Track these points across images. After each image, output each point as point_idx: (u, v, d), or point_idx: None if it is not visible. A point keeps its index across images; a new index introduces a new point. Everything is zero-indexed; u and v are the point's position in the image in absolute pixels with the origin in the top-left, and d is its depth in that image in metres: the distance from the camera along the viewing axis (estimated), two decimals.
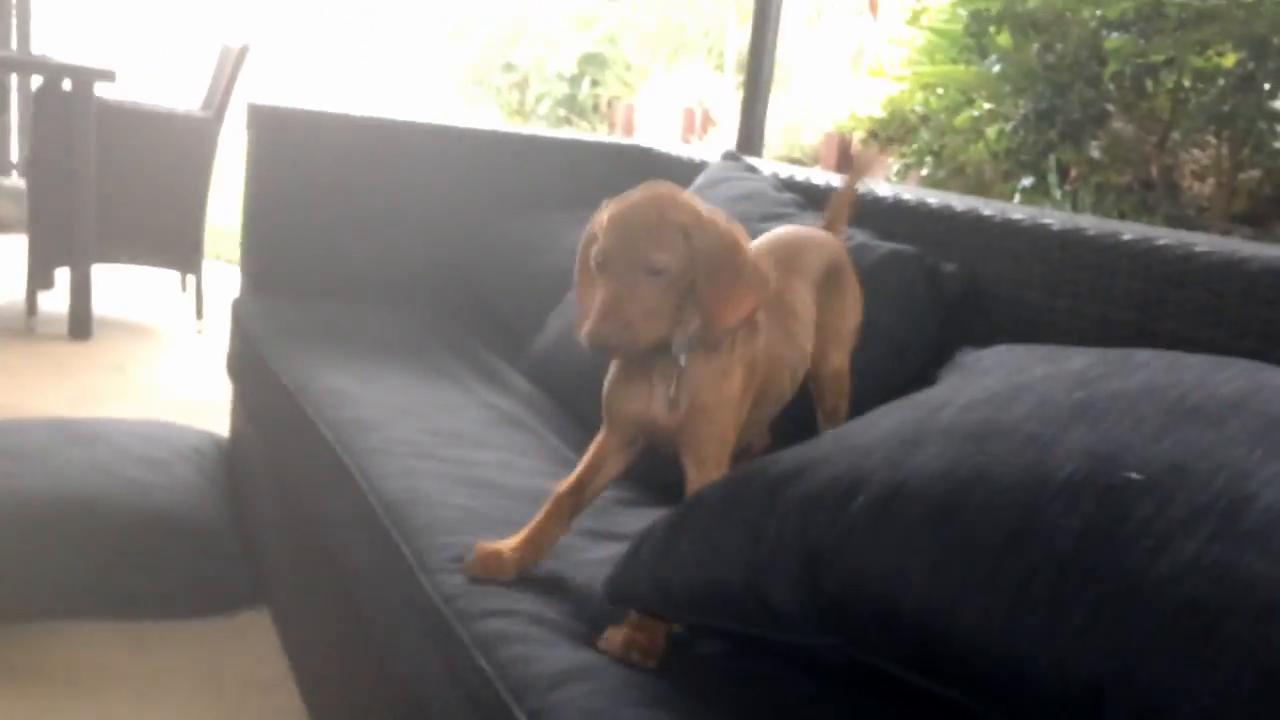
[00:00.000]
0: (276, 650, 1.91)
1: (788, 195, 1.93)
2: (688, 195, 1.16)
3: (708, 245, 1.10)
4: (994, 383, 1.05)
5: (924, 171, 4.44)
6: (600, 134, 7.61)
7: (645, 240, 1.09)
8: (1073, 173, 4.05)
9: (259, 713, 1.74)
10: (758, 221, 1.81)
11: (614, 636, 1.02)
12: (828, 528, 0.90)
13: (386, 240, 2.47)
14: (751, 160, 2.21)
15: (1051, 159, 3.95)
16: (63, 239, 3.66)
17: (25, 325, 3.73)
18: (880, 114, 4.82)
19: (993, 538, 0.82)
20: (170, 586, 1.97)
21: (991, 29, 4.03)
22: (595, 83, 8.93)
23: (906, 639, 0.84)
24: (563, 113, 8.86)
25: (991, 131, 4.19)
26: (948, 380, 1.25)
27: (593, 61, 8.89)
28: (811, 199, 1.91)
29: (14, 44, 5.57)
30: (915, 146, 4.41)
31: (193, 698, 1.75)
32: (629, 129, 7.67)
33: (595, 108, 8.98)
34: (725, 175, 2.08)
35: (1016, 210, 1.64)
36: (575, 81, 8.97)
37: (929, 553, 0.84)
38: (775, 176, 2.06)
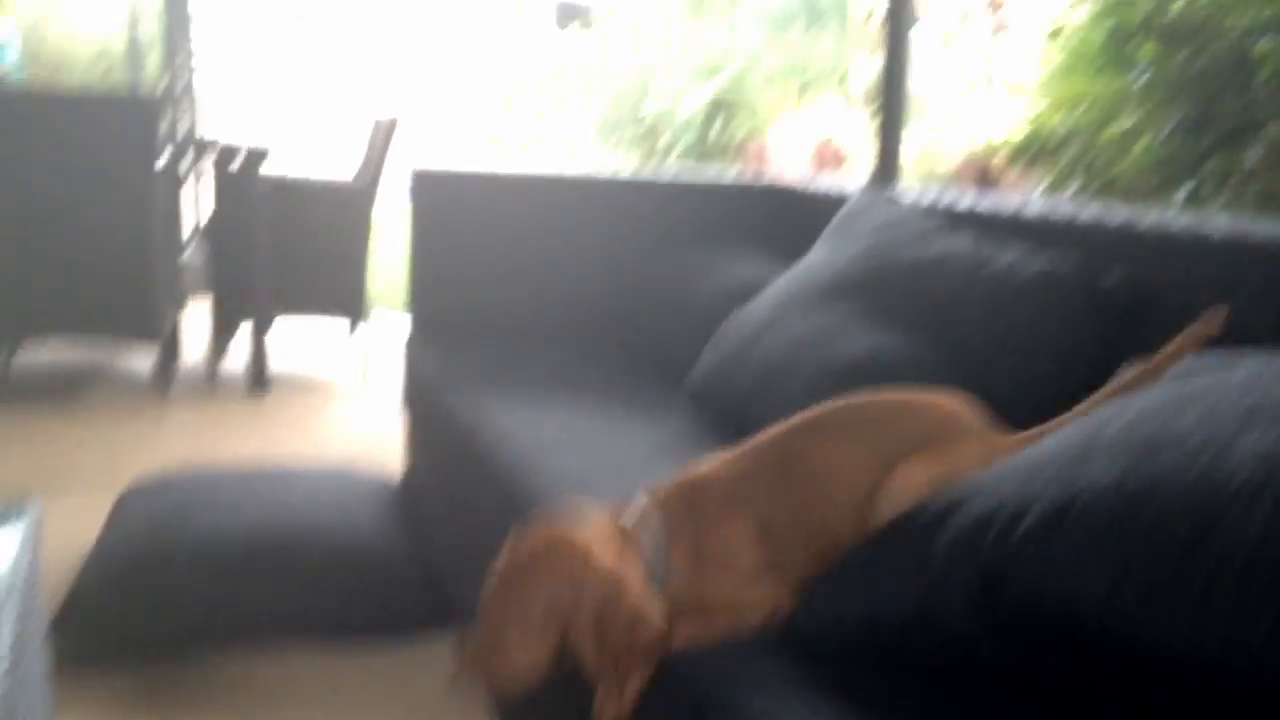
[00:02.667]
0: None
1: (931, 221, 1.95)
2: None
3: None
4: (1160, 394, 1.05)
5: (1071, 189, 4.36)
6: (735, 173, 7.68)
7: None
8: (1231, 180, 3.92)
9: None
10: (904, 248, 1.85)
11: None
12: (998, 548, 0.93)
13: (541, 285, 2.60)
14: (893, 190, 2.24)
15: (1207, 168, 3.83)
16: (241, 303, 3.93)
17: (209, 383, 4.00)
18: (1019, 135, 4.76)
19: (1173, 544, 0.83)
20: (361, 614, 2.10)
21: (1135, 41, 3.96)
22: (726, 124, 9.04)
23: (1089, 648, 0.86)
24: (695, 157, 8.99)
25: (1141, 144, 4.10)
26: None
27: (721, 105, 9.00)
28: (954, 222, 1.93)
29: (184, 128, 6.01)
30: (1062, 165, 4.34)
31: (390, 714, 1.86)
32: (761, 166, 7.74)
33: (726, 149, 9.08)
34: (866, 206, 2.11)
35: (1177, 218, 1.62)
36: (705, 125, 9.09)
37: (1108, 563, 0.85)
38: (918, 204, 2.09)
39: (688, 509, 1.19)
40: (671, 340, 2.35)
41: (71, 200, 3.43)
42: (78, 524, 2.43)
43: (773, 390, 1.73)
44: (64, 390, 3.83)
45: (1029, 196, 2.29)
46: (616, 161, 9.26)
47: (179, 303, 4.14)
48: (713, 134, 9.02)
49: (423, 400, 2.30)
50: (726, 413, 1.88)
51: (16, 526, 1.48)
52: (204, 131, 6.05)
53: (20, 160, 3.37)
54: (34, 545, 1.48)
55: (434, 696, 1.95)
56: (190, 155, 4.49)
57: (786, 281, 2.04)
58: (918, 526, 1.02)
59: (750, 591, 1.15)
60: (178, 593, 2.01)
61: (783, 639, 1.11)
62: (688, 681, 1.05)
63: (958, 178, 5.90)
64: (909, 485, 1.11)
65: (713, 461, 1.25)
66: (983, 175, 4.96)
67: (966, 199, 2.08)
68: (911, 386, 1.58)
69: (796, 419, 1.25)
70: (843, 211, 2.15)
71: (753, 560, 1.16)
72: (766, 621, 1.13)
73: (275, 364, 4.05)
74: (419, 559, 2.23)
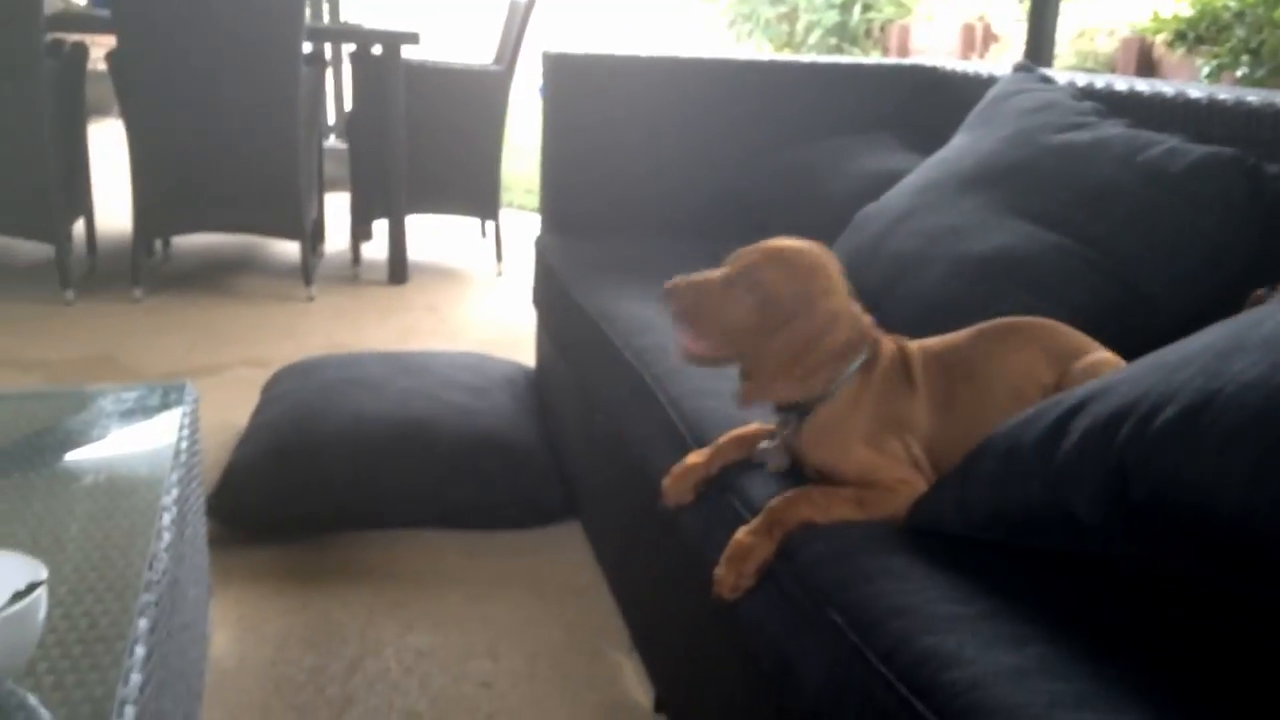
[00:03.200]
0: (590, 558, 2.07)
1: (1087, 104, 1.84)
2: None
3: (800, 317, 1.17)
4: None
5: (1240, 72, 4.06)
6: (881, 59, 7.41)
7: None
8: None
9: (579, 612, 1.90)
10: (1054, 133, 1.76)
11: (721, 567, 1.14)
12: (1135, 439, 0.90)
13: (675, 175, 2.56)
14: (1045, 71, 2.12)
15: None
16: (380, 194, 4.01)
17: (351, 272, 4.13)
18: (1187, 12, 4.43)
19: None
20: (495, 501, 2.17)
21: None
22: (867, 6, 8.68)
23: (1220, 543, 0.83)
24: (833, 41, 8.68)
25: None
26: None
27: None
28: (1113, 107, 1.81)
29: (325, 16, 6.08)
30: (1229, 45, 4.03)
31: (520, 599, 1.93)
32: (904, 53, 7.43)
33: (868, 33, 8.74)
34: (1017, 88, 2.01)
35: None
36: (846, 8, 8.75)
37: (1247, 457, 0.82)
38: (1072, 85, 1.97)
39: (882, 369, 1.19)
40: (803, 232, 2.29)
41: (217, 92, 3.53)
42: (230, 406, 2.56)
43: (903, 285, 1.68)
44: (215, 279, 4.00)
45: (1192, 81, 2.13)
46: (751, 49, 9.01)
47: (321, 196, 4.25)
48: (854, 18, 8.68)
49: (552, 293, 2.32)
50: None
51: (177, 408, 1.57)
52: (347, 16, 6.13)
53: (164, 54, 3.47)
54: (193, 426, 1.57)
55: (562, 583, 2.01)
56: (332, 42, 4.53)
57: (924, 171, 1.97)
58: (1053, 417, 0.99)
59: (895, 472, 1.14)
60: (323, 473, 2.11)
61: (905, 526, 1.10)
62: (808, 566, 1.05)
63: (1116, 60, 5.55)
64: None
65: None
66: (1144, 57, 4.65)
67: (1124, 82, 1.95)
68: (1050, 283, 1.52)
69: (985, 326, 1.24)
70: (989, 95, 2.05)
71: (918, 448, 1.16)
72: (895, 512, 1.12)
73: (413, 254, 4.14)
74: (549, 448, 2.29)
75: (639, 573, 1.78)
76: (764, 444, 1.28)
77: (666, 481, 1.34)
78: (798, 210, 2.36)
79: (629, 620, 1.83)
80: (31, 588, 0.90)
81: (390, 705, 1.61)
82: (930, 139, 2.17)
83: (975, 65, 2.57)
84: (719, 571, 1.15)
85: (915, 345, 1.24)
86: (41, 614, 0.91)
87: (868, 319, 1.23)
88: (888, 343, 1.22)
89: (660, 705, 1.63)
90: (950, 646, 0.86)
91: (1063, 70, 2.32)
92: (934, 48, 7.36)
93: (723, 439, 1.32)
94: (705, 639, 1.41)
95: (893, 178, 2.06)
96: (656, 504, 1.54)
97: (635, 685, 1.70)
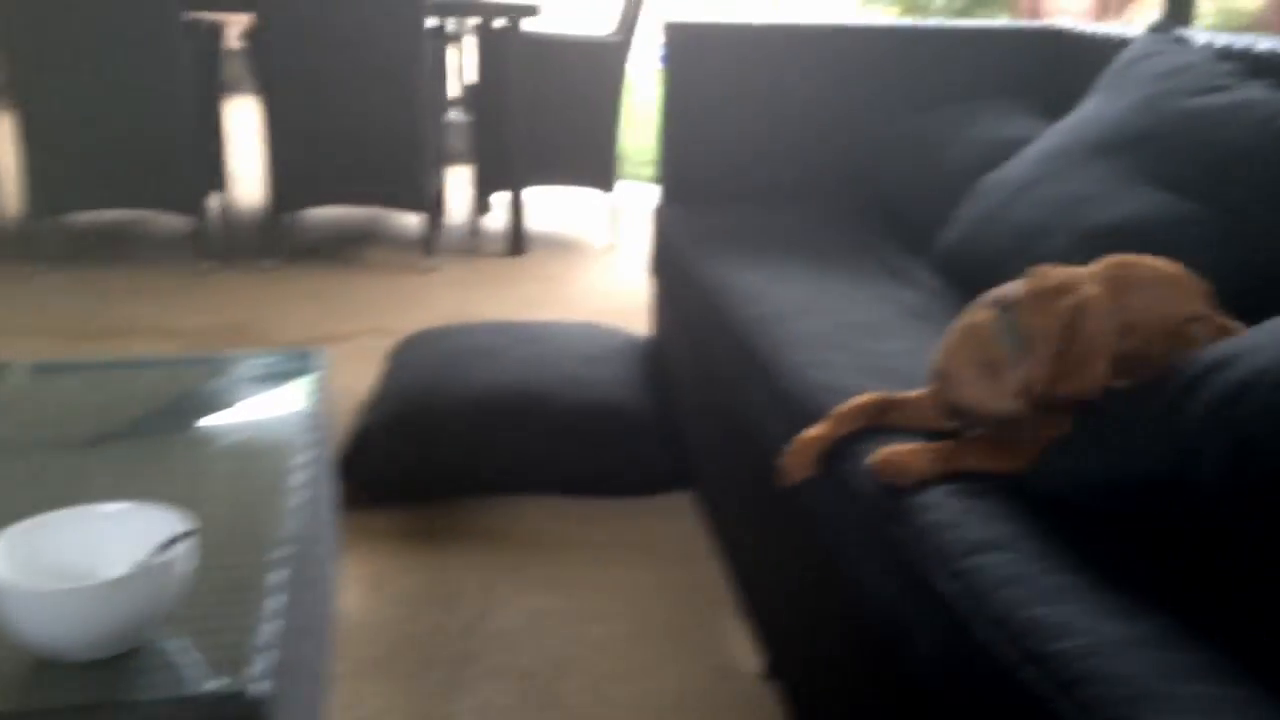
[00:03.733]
0: (702, 526, 2.10)
1: (1227, 66, 1.76)
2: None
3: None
4: None
5: None
6: (1007, 21, 7.19)
7: None
8: None
9: (691, 578, 1.93)
10: (1190, 96, 1.69)
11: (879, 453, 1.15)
12: (1259, 411, 0.87)
13: (794, 143, 2.55)
14: (1182, 31, 2.04)
15: None
16: (499, 166, 4.08)
17: (471, 244, 4.22)
18: None
19: None
20: (609, 468, 2.21)
21: None
22: None
23: None
24: (962, 4, 8.45)
25: None
26: None
27: None
28: (1255, 69, 1.73)
29: None
30: None
31: (635, 565, 1.97)
32: (1036, 15, 7.19)
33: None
34: (1151, 50, 1.93)
35: None
36: None
37: None
38: (1211, 46, 1.89)
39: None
40: (923, 202, 2.26)
41: (345, 69, 3.64)
42: (356, 373, 2.65)
43: (1025, 256, 1.63)
44: (342, 250, 4.13)
45: None
46: (876, 15, 8.83)
47: (443, 169, 4.34)
48: None
49: (669, 263, 2.34)
50: (975, 278, 1.80)
51: (308, 374, 1.64)
52: None
53: (297, 31, 3.59)
54: (323, 390, 1.64)
55: (675, 550, 2.03)
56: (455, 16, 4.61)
57: (1050, 137, 1.91)
58: (1175, 386, 0.96)
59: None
60: (444, 439, 2.18)
61: (1014, 493, 1.09)
62: (921, 533, 1.04)
63: (1264, 18, 5.28)
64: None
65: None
66: None
67: (1267, 42, 1.86)
68: (1182, 254, 1.47)
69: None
70: (1121, 57, 1.98)
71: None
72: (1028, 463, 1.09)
73: (531, 226, 4.21)
74: (664, 418, 2.31)
75: (751, 540, 1.80)
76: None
77: (786, 456, 1.34)
78: (919, 179, 2.32)
79: (741, 587, 1.85)
80: (180, 538, 0.96)
81: (508, 663, 1.67)
82: (1058, 105, 2.11)
83: (1107, 27, 2.48)
84: (875, 459, 1.16)
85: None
86: (187, 563, 0.97)
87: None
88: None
89: (771, 672, 1.64)
90: (1062, 616, 0.85)
91: (1203, 30, 2.22)
92: (1068, 9, 7.10)
93: (842, 408, 1.32)
94: (817, 606, 1.42)
95: (1016, 145, 2.01)
96: (770, 474, 1.55)
97: (746, 651, 1.72)
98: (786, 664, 1.58)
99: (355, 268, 3.90)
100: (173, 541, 0.95)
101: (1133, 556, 0.96)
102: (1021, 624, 0.87)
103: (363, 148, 3.73)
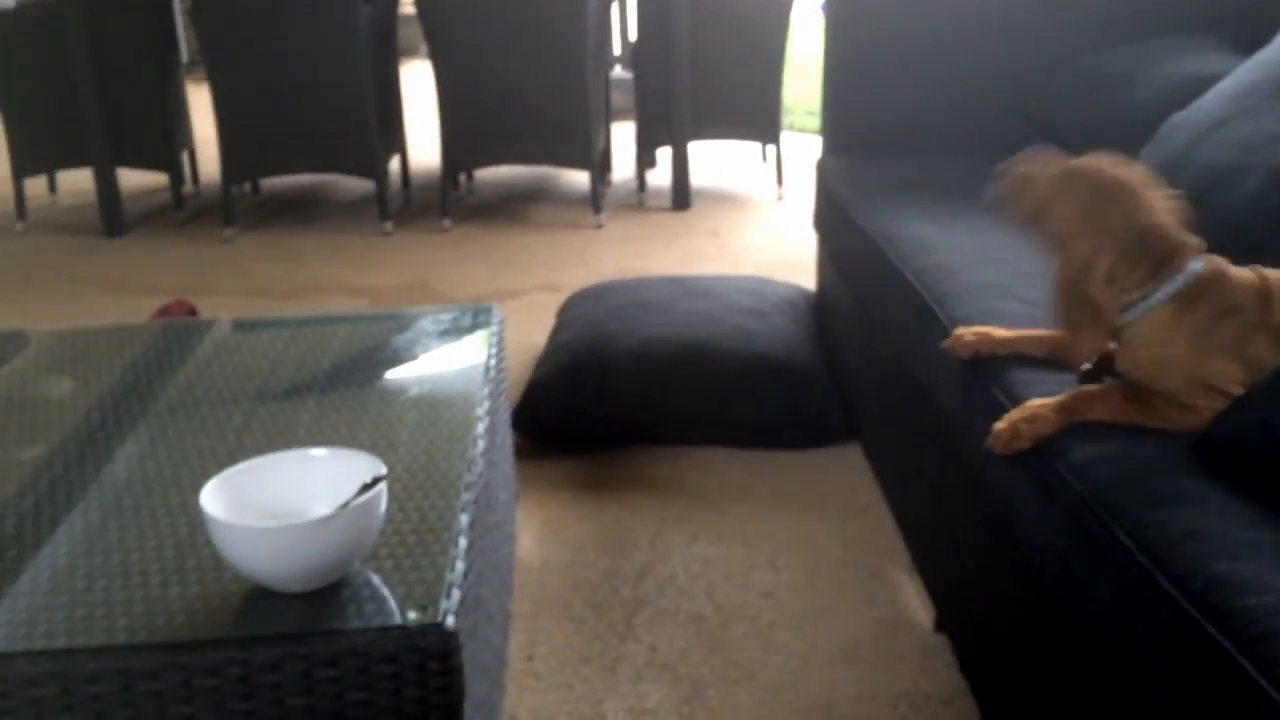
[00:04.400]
0: (869, 479, 2.09)
1: None
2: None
3: None
4: None
5: None
6: None
7: None
8: None
9: (859, 531, 1.93)
10: None
11: (1002, 423, 1.17)
12: None
13: (964, 90, 2.48)
14: None
15: None
16: (663, 122, 4.10)
17: (637, 200, 4.26)
18: None
19: None
20: (775, 420, 2.22)
21: None
22: None
23: None
24: None
25: None
26: None
27: None
28: None
29: None
30: None
31: (801, 516, 1.99)
32: None
33: None
34: None
35: None
36: None
37: None
38: None
39: (1222, 297, 1.13)
40: (1105, 144, 2.16)
41: (512, 32, 3.71)
42: (529, 328, 2.74)
43: (1213, 200, 1.57)
44: (514, 209, 4.24)
45: None
46: None
47: (609, 126, 4.40)
48: None
49: (834, 216, 2.32)
50: None
51: (486, 329, 1.72)
52: None
53: None
54: (499, 344, 1.71)
55: (842, 502, 2.04)
56: None
57: (1242, 74, 1.80)
58: None
59: (1202, 401, 1.10)
60: (613, 391, 2.23)
61: (1203, 440, 1.06)
62: (1099, 486, 1.02)
63: None
64: None
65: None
66: None
67: None
68: None
69: None
70: None
71: (1234, 372, 1.10)
72: (1193, 429, 1.08)
73: (696, 180, 4.22)
74: (830, 370, 2.31)
75: (919, 493, 1.79)
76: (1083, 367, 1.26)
77: (957, 332, 1.41)
78: (1099, 122, 2.22)
79: (909, 540, 1.84)
80: (375, 481, 1.03)
81: (678, 608, 1.72)
82: (1253, 39, 1.98)
83: None
84: (999, 425, 1.19)
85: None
86: (383, 505, 1.04)
87: (1184, 242, 1.16)
88: (1225, 269, 1.15)
89: (941, 624, 1.64)
90: (1247, 573, 0.83)
91: None
92: None
93: (1025, 332, 1.35)
94: (988, 559, 1.41)
95: (1206, 83, 1.91)
96: (940, 428, 1.54)
97: (915, 604, 1.72)
98: (957, 618, 1.58)
99: (526, 226, 4.00)
100: (371, 484, 1.02)
101: None
102: (1206, 579, 0.85)
103: (530, 108, 3.82)
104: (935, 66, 2.49)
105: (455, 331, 1.73)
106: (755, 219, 4.03)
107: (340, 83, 3.76)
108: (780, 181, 4.31)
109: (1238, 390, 1.08)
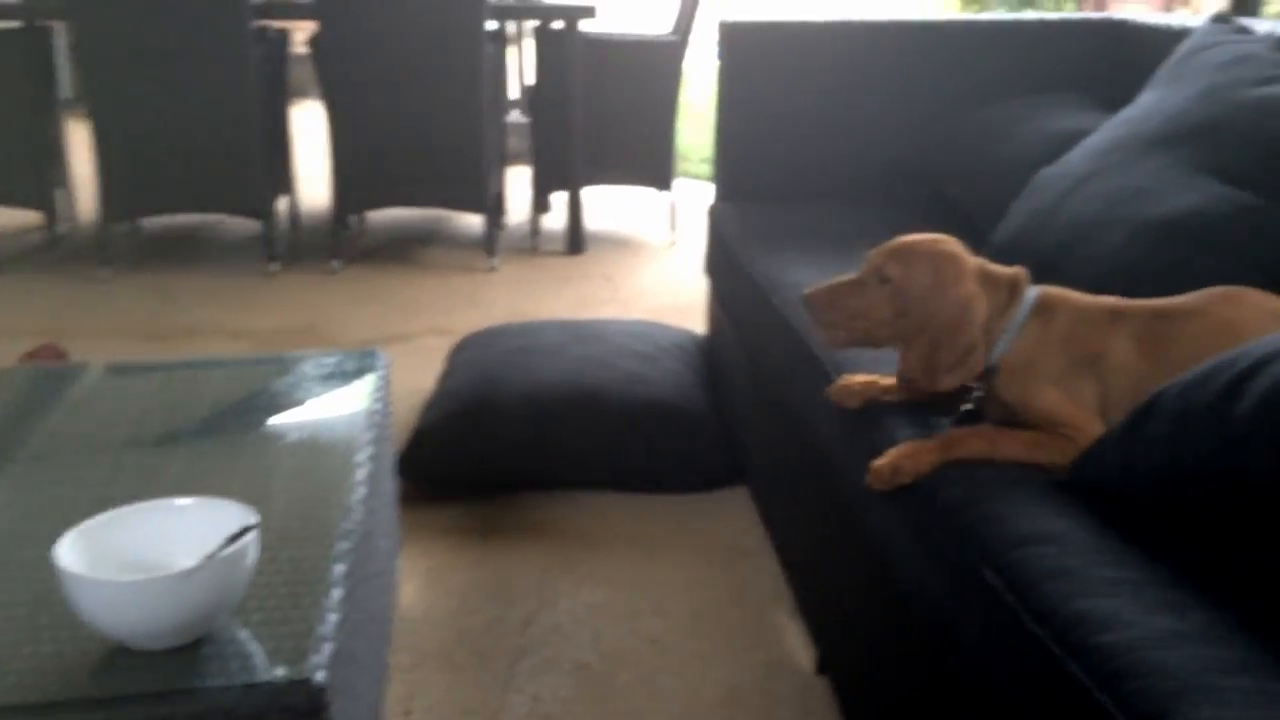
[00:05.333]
0: (755, 522, 2.11)
1: None
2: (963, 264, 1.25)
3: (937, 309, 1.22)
4: None
5: None
6: (1068, 13, 7.07)
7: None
8: None
9: (745, 574, 1.94)
10: (1250, 87, 1.66)
11: (883, 460, 1.20)
12: None
13: (848, 141, 2.55)
14: (1245, 21, 2.00)
15: None
16: (559, 167, 4.12)
17: (531, 244, 4.26)
18: None
19: None
20: (663, 465, 2.23)
21: None
22: None
23: None
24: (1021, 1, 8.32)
25: None
26: None
27: None
28: None
29: None
30: None
31: (688, 560, 1.99)
32: (1101, 7, 7.06)
33: None
34: (1212, 41, 1.90)
35: None
36: None
37: None
38: (1272, 36, 1.86)
39: (1070, 309, 1.23)
40: (981, 196, 2.25)
41: (407, 73, 3.70)
42: (418, 371, 2.70)
43: (1081, 249, 1.63)
44: (406, 251, 4.20)
45: None
46: (935, 9, 8.74)
47: (503, 170, 4.39)
48: None
49: (724, 261, 2.35)
50: (1032, 272, 1.80)
51: (371, 374, 1.69)
52: None
53: (360, 37, 3.66)
54: (385, 389, 1.68)
55: (729, 546, 2.05)
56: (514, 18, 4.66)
57: (1108, 130, 1.89)
58: (1227, 378, 0.96)
59: (1079, 416, 1.16)
60: (503, 436, 2.21)
61: (1068, 480, 1.10)
62: (969, 527, 1.05)
63: None
64: None
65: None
66: None
67: None
68: (1241, 247, 1.45)
69: (1213, 290, 1.25)
70: (1182, 48, 1.95)
71: (1105, 392, 1.18)
72: (1065, 459, 1.12)
73: (590, 225, 4.24)
74: (719, 415, 2.32)
75: (803, 536, 1.80)
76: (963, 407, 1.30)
77: (838, 384, 1.42)
78: (976, 174, 2.31)
79: (793, 583, 1.86)
80: (244, 531, 1.00)
81: (563, 656, 1.70)
82: (1117, 97, 2.08)
83: (1167, 17, 2.45)
84: (879, 462, 1.21)
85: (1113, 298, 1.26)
86: (252, 556, 1.01)
87: (1017, 271, 1.27)
88: (1066, 293, 1.26)
89: (823, 667, 1.65)
90: (1107, 610, 0.86)
91: (1271, 19, 2.18)
92: (1133, 1, 6.97)
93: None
94: (867, 601, 1.43)
95: (1075, 138, 1.99)
96: (823, 471, 1.56)
97: (798, 646, 1.73)
98: (838, 659, 1.59)
99: (418, 268, 3.97)
100: (239, 535, 0.99)
101: (1182, 550, 0.96)
102: (1067, 617, 0.87)
103: (424, 150, 3.80)
104: (824, 117, 2.55)
105: (339, 376, 1.70)
106: (648, 264, 4.06)
107: (227, 121, 3.69)
108: (673, 227, 4.35)
109: (1098, 406, 1.16)
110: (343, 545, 1.17)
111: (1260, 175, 1.52)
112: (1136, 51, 2.35)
